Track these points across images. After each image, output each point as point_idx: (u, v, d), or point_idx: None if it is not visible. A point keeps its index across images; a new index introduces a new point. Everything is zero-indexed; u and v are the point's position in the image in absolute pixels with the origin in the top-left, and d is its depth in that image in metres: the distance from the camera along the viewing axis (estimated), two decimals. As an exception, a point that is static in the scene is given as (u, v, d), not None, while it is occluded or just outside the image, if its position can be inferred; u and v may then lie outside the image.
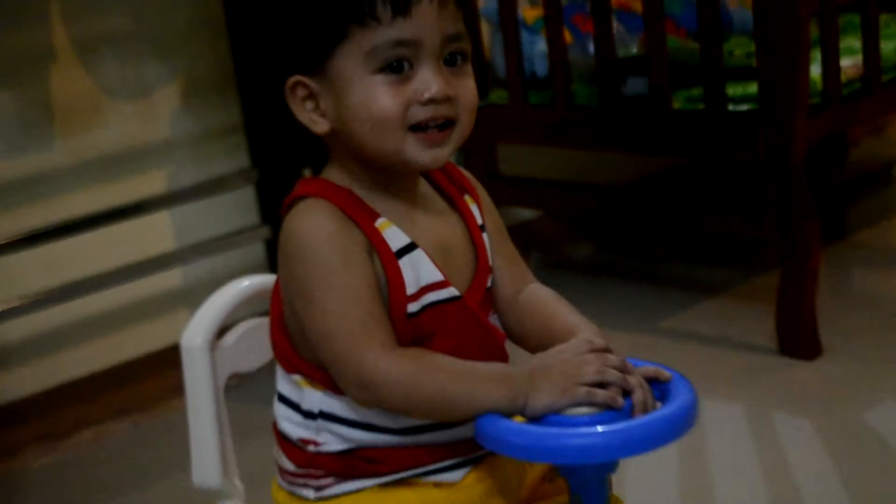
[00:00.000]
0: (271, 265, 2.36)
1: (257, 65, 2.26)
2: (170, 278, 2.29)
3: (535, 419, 1.00)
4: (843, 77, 2.22)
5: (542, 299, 1.17)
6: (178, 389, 2.22)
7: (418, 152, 1.01)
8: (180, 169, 2.27)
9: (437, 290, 1.06)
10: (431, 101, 0.99)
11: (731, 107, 2.15)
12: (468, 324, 1.09)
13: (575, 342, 1.02)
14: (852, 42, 2.37)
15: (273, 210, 2.28)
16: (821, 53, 2.17)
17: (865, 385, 2.07)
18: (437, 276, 1.06)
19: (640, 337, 2.34)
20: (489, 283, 1.14)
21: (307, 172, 2.20)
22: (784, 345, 2.19)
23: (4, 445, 2.11)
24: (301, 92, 1.04)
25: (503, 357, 1.12)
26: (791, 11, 2.00)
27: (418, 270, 1.05)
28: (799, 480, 1.81)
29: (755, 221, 2.18)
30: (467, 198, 1.15)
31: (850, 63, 2.27)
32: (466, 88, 1.03)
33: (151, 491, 1.99)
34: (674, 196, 2.79)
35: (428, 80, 1.00)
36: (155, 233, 2.25)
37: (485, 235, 1.14)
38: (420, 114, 1.00)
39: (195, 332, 1.20)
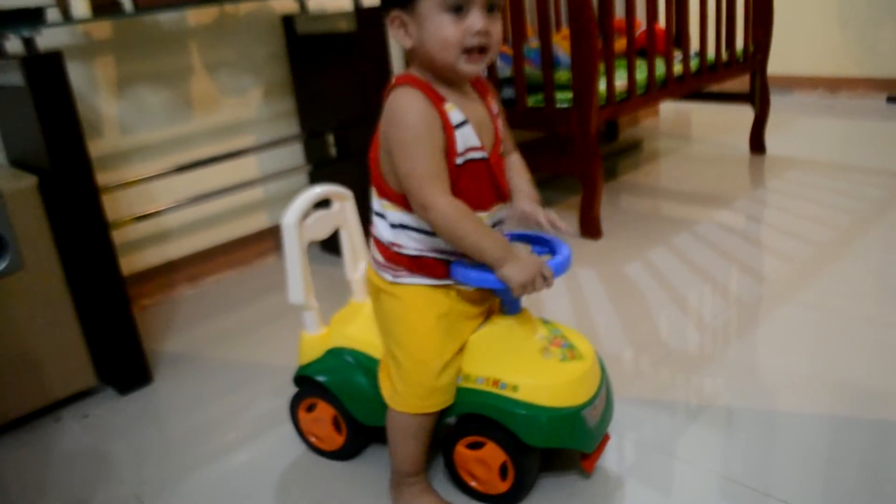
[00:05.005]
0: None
1: (306, 78, 2.25)
2: (256, 193, 2.29)
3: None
4: (616, 90, 2.25)
5: (510, 167, 1.14)
6: (262, 254, 2.32)
7: (466, 66, 0.97)
8: (262, 134, 2.25)
9: (475, 152, 1.02)
10: (478, 33, 0.95)
11: (558, 105, 2.18)
12: (487, 175, 1.04)
13: (541, 262, 1.01)
14: (622, 72, 2.40)
15: (311, 155, 2.31)
16: (605, 78, 2.21)
17: (624, 251, 2.11)
18: (477, 143, 1.02)
19: (508, 226, 2.38)
20: (502, 150, 1.10)
21: (330, 136, 2.25)
22: (583, 231, 2.23)
23: (168, 283, 2.13)
24: (397, 21, 0.98)
25: (505, 196, 1.09)
26: (588, 57, 2.03)
27: (466, 137, 1.01)
28: (589, 301, 1.85)
29: (570, 166, 2.20)
30: (489, 97, 1.08)
31: (620, 83, 2.30)
32: (497, 28, 0.97)
33: (256, 306, 2.00)
34: (529, 153, 2.88)
35: (477, 20, 0.95)
36: (248, 167, 2.23)
37: (499, 120, 1.09)
38: (471, 41, 0.95)
39: (290, 216, 1.19)
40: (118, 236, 1.90)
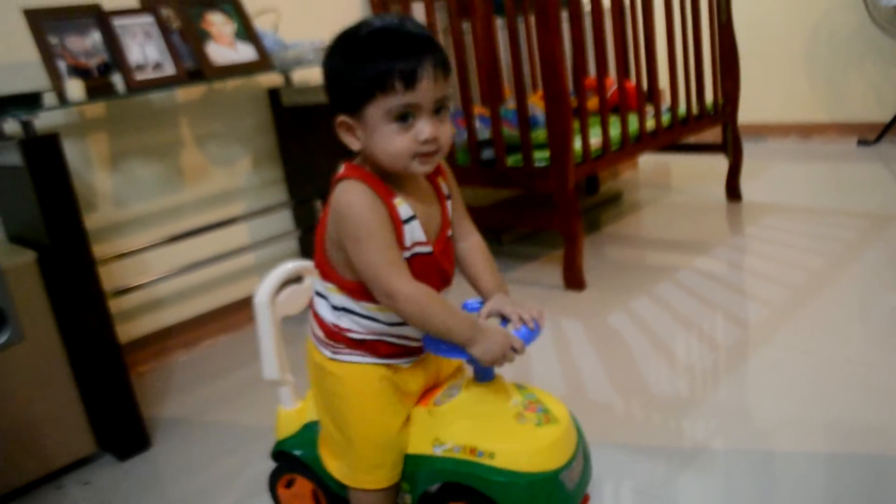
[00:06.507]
0: (302, 251, 2.42)
1: (292, 147, 2.33)
2: (247, 259, 2.34)
3: None
4: (592, 147, 2.33)
5: (473, 259, 1.13)
6: (251, 319, 2.32)
7: (418, 167, 0.98)
8: (251, 202, 2.32)
9: (421, 246, 1.03)
10: (426, 141, 0.96)
11: (536, 164, 2.25)
12: (433, 265, 1.05)
13: (508, 335, 1.01)
14: (596, 129, 2.47)
15: (300, 221, 2.39)
16: (580, 136, 2.29)
17: (607, 303, 2.16)
18: (422, 238, 1.03)
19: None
20: (450, 233, 1.10)
21: (318, 203, 2.32)
22: (567, 284, 2.29)
23: (163, 349, 2.17)
24: (344, 126, 0.99)
25: (448, 281, 1.09)
26: (563, 117, 2.11)
27: (413, 232, 1.01)
28: (574, 352, 1.89)
29: (550, 221, 2.26)
30: (439, 178, 1.09)
31: (595, 140, 2.38)
32: (445, 131, 0.98)
33: (250, 369, 2.02)
34: (511, 210, 2.91)
35: (424, 129, 0.95)
36: (239, 234, 2.29)
37: (448, 203, 1.10)
38: (420, 149, 0.96)
39: (261, 294, 1.20)
40: (114, 305, 1.94)
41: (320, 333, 1.10)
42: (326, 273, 1.06)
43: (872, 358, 1.67)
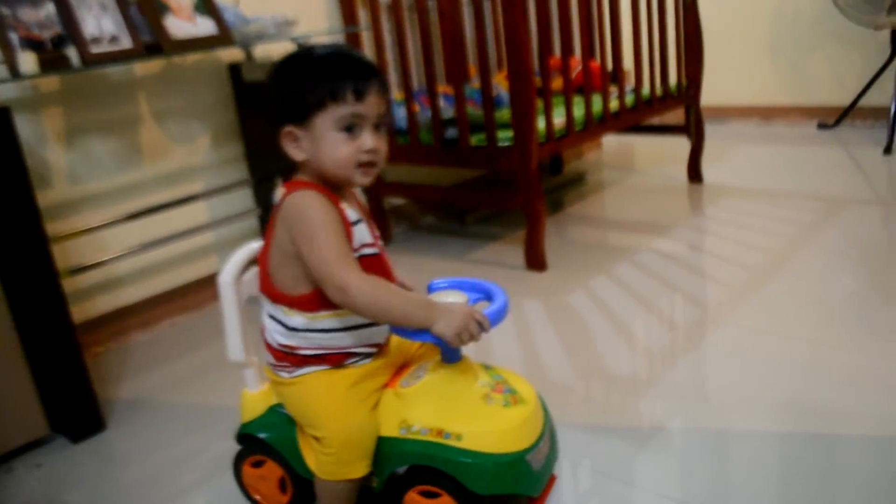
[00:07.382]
0: (262, 230, 2.31)
1: (253, 124, 2.30)
2: (206, 238, 2.30)
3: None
4: (555, 127, 2.33)
5: None
6: (214, 298, 2.31)
7: (359, 178, 1.05)
8: (211, 179, 2.28)
9: (368, 248, 1.09)
10: (369, 151, 1.03)
11: (499, 143, 2.24)
12: (379, 267, 1.10)
13: (473, 310, 1.04)
14: (560, 109, 2.48)
15: (261, 199, 2.34)
16: (544, 116, 2.29)
17: (568, 283, 2.17)
18: (370, 239, 1.09)
19: (456, 263, 2.40)
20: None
21: (279, 181, 2.28)
22: (528, 264, 2.30)
23: (120, 329, 2.12)
24: (290, 136, 1.04)
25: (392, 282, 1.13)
26: (527, 95, 2.11)
27: (361, 234, 1.08)
28: (534, 330, 1.89)
29: (513, 201, 2.25)
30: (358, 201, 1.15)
31: (559, 120, 2.37)
32: (383, 145, 1.06)
33: (209, 350, 2.01)
34: (475, 190, 2.91)
35: (368, 140, 1.03)
36: (198, 213, 2.26)
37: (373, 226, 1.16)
38: (363, 158, 1.03)
39: (226, 273, 1.18)
40: (69, 284, 1.90)
41: (272, 359, 1.14)
42: (275, 296, 1.10)
43: (827, 338, 1.70)
